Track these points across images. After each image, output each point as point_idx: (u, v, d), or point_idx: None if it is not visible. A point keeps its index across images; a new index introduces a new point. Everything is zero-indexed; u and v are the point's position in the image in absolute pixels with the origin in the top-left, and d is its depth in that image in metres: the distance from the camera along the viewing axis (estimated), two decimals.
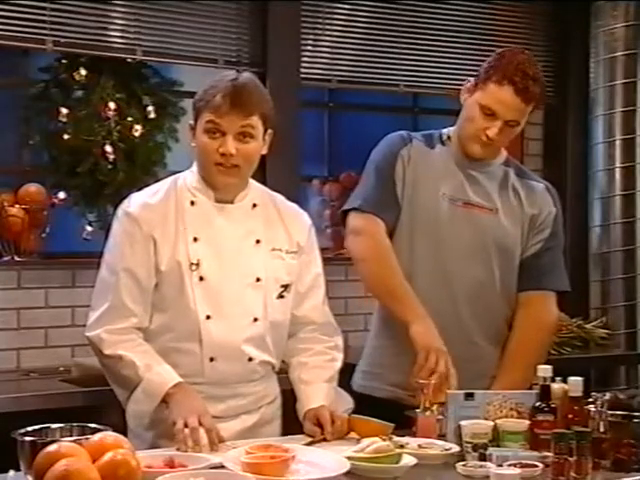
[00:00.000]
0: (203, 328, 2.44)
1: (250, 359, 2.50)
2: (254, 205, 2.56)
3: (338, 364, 2.65)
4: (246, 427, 2.52)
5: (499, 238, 2.76)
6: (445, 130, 2.87)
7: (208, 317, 2.44)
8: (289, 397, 2.62)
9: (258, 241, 2.53)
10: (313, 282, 2.64)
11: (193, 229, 2.48)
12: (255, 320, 2.49)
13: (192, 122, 2.49)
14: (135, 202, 2.51)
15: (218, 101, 2.40)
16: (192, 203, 2.50)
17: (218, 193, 2.51)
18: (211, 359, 2.46)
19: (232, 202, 2.53)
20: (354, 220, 2.77)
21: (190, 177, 2.54)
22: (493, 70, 2.67)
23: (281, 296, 2.55)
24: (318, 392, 2.53)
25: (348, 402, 2.63)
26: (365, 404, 2.71)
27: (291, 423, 2.60)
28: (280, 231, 2.58)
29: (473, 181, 2.78)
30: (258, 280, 2.50)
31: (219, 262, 2.47)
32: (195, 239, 2.47)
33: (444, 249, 2.73)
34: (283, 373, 2.66)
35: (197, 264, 2.45)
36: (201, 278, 2.45)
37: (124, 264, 2.45)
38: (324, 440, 2.39)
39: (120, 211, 2.53)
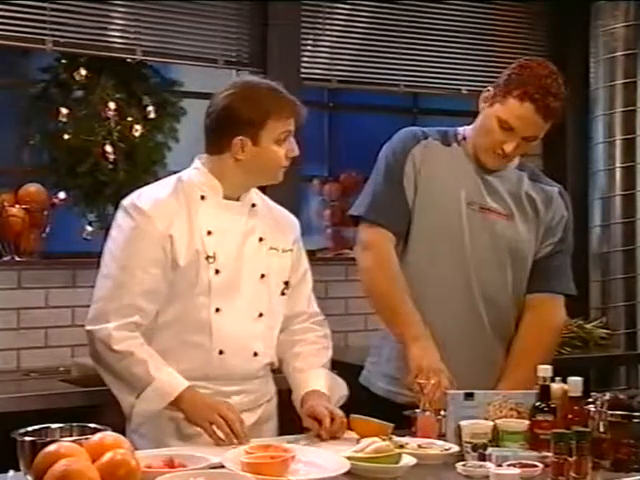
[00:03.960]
0: (213, 320, 2.46)
1: (255, 354, 2.52)
2: (253, 205, 2.59)
3: (330, 352, 2.69)
4: (248, 425, 2.50)
5: (514, 244, 2.74)
6: (460, 129, 2.81)
7: (217, 310, 2.46)
8: (285, 397, 2.63)
9: (261, 239, 2.57)
10: (303, 276, 2.68)
11: (206, 222, 2.48)
12: (260, 315, 2.53)
13: (242, 138, 2.45)
14: (146, 198, 2.48)
15: (290, 106, 2.47)
16: (202, 197, 2.51)
17: (226, 190, 2.52)
18: (220, 352, 2.47)
19: (238, 199, 2.55)
20: (363, 233, 2.75)
21: (196, 174, 2.53)
22: (514, 84, 2.60)
23: (283, 293, 2.60)
24: (314, 377, 2.56)
25: (343, 388, 2.64)
26: (391, 410, 2.61)
27: (287, 423, 2.61)
28: (276, 230, 2.62)
29: (488, 186, 2.75)
30: (263, 276, 2.54)
31: (231, 256, 2.49)
32: (209, 232, 2.48)
33: (466, 253, 2.70)
34: (279, 373, 2.67)
35: (213, 257, 2.46)
36: (217, 271, 2.46)
37: (138, 262, 2.42)
38: (318, 437, 2.39)
39: (129, 206, 2.47)
